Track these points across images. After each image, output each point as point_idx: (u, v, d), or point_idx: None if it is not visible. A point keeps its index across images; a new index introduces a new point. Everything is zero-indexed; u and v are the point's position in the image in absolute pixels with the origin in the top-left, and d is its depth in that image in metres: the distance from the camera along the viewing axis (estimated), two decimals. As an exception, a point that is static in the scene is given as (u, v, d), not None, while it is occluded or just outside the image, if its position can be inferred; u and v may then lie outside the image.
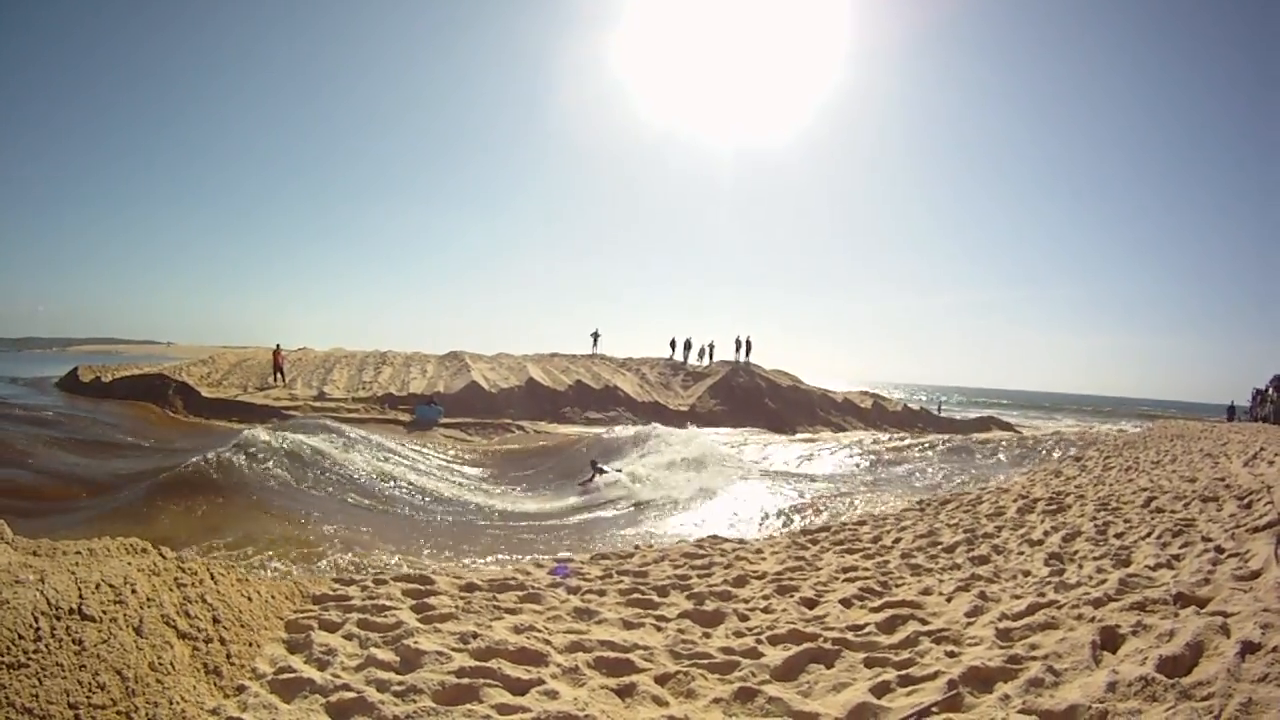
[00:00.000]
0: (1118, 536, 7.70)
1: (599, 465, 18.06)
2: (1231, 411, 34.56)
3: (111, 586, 3.70)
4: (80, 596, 3.50)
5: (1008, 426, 43.17)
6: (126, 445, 17.97)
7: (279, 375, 31.06)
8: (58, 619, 3.32)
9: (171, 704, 3.51)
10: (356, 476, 14.91)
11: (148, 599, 3.88)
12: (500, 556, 9.65)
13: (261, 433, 15.58)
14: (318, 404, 27.67)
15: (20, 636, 3.13)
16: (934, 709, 3.62)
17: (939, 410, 53.37)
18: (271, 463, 13.92)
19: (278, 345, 32.12)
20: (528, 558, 9.12)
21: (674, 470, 17.72)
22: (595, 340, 44.16)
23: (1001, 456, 21.75)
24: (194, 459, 12.97)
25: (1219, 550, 6.25)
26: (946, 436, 26.77)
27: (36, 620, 3.23)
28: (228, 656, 4.14)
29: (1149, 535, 7.47)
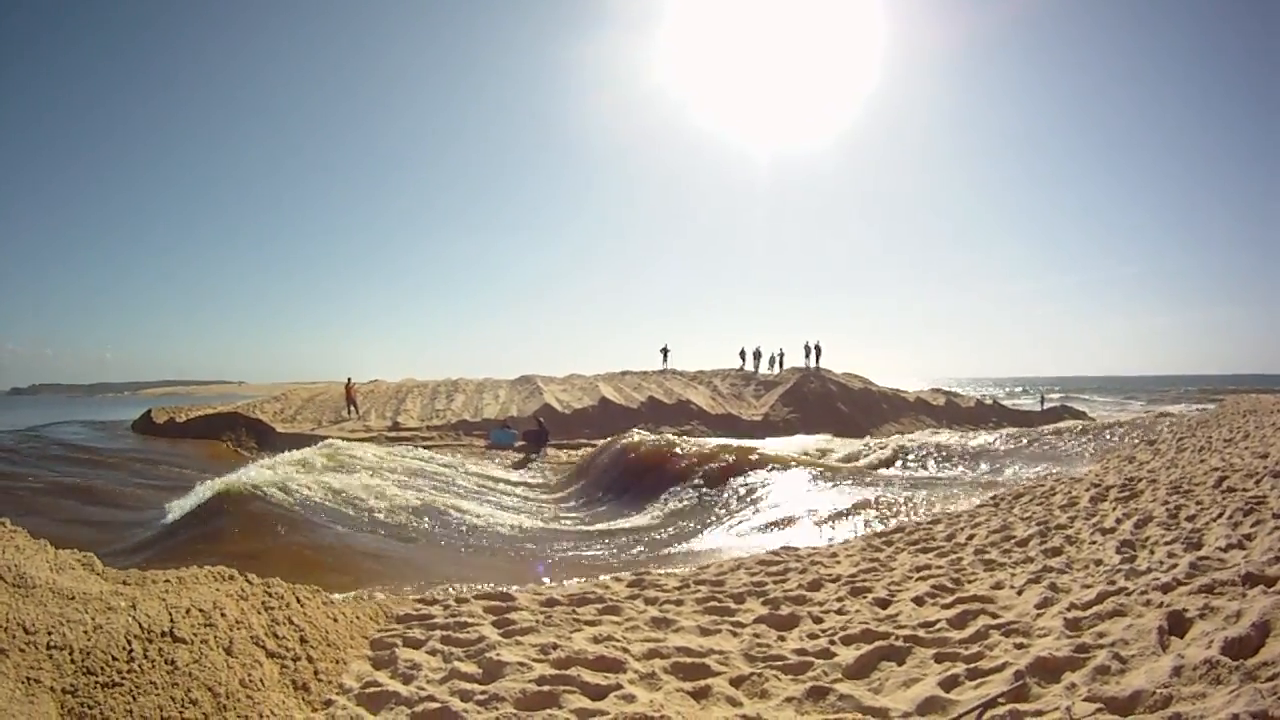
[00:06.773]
0: (1189, 519, 7.58)
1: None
2: None
3: (201, 611, 4.02)
4: (171, 620, 3.81)
5: (1080, 414, 42.36)
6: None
7: (352, 408, 31.84)
8: (150, 641, 3.63)
9: (261, 717, 3.78)
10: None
11: (237, 621, 4.19)
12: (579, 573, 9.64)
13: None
14: (391, 434, 28.29)
15: (114, 658, 3.45)
16: (1000, 700, 3.70)
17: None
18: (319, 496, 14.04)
19: (349, 379, 32.99)
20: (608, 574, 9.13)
21: None
22: (665, 355, 44.46)
23: (1075, 445, 21.28)
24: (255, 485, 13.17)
25: (1290, 527, 6.15)
26: (1020, 429, 26.21)
27: (129, 643, 3.55)
28: (315, 673, 4.41)
29: (1220, 516, 7.33)
